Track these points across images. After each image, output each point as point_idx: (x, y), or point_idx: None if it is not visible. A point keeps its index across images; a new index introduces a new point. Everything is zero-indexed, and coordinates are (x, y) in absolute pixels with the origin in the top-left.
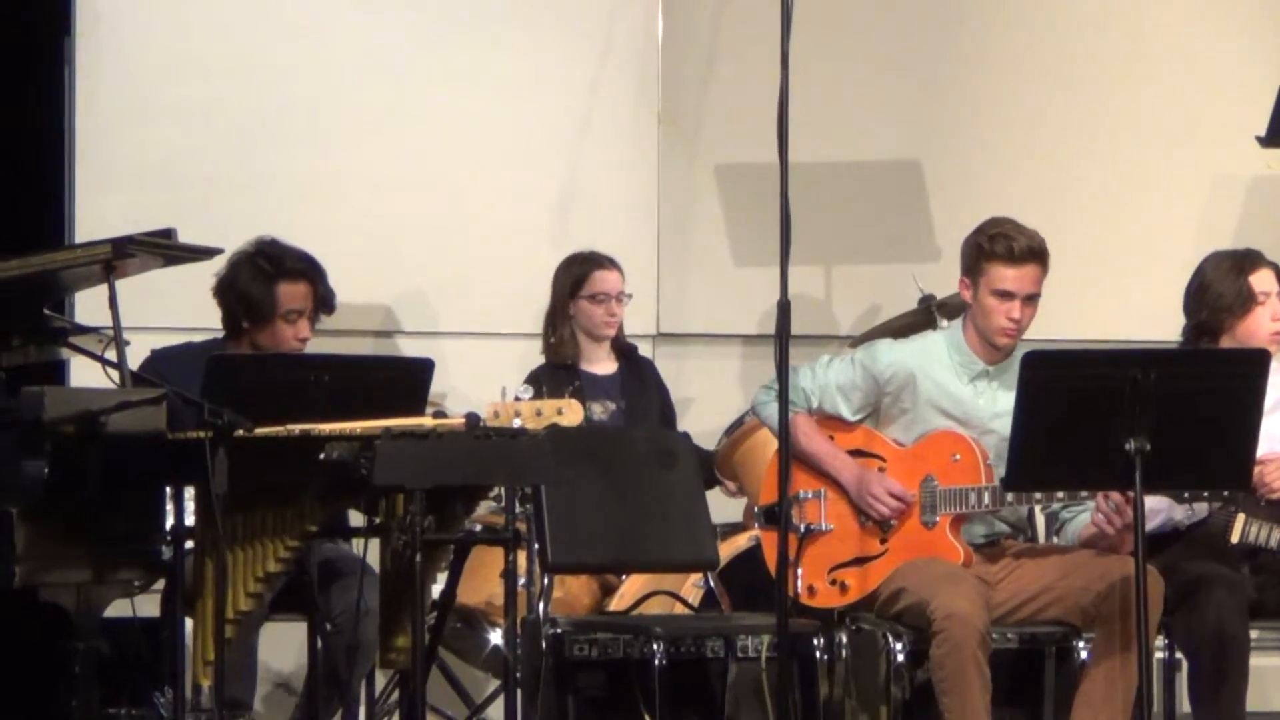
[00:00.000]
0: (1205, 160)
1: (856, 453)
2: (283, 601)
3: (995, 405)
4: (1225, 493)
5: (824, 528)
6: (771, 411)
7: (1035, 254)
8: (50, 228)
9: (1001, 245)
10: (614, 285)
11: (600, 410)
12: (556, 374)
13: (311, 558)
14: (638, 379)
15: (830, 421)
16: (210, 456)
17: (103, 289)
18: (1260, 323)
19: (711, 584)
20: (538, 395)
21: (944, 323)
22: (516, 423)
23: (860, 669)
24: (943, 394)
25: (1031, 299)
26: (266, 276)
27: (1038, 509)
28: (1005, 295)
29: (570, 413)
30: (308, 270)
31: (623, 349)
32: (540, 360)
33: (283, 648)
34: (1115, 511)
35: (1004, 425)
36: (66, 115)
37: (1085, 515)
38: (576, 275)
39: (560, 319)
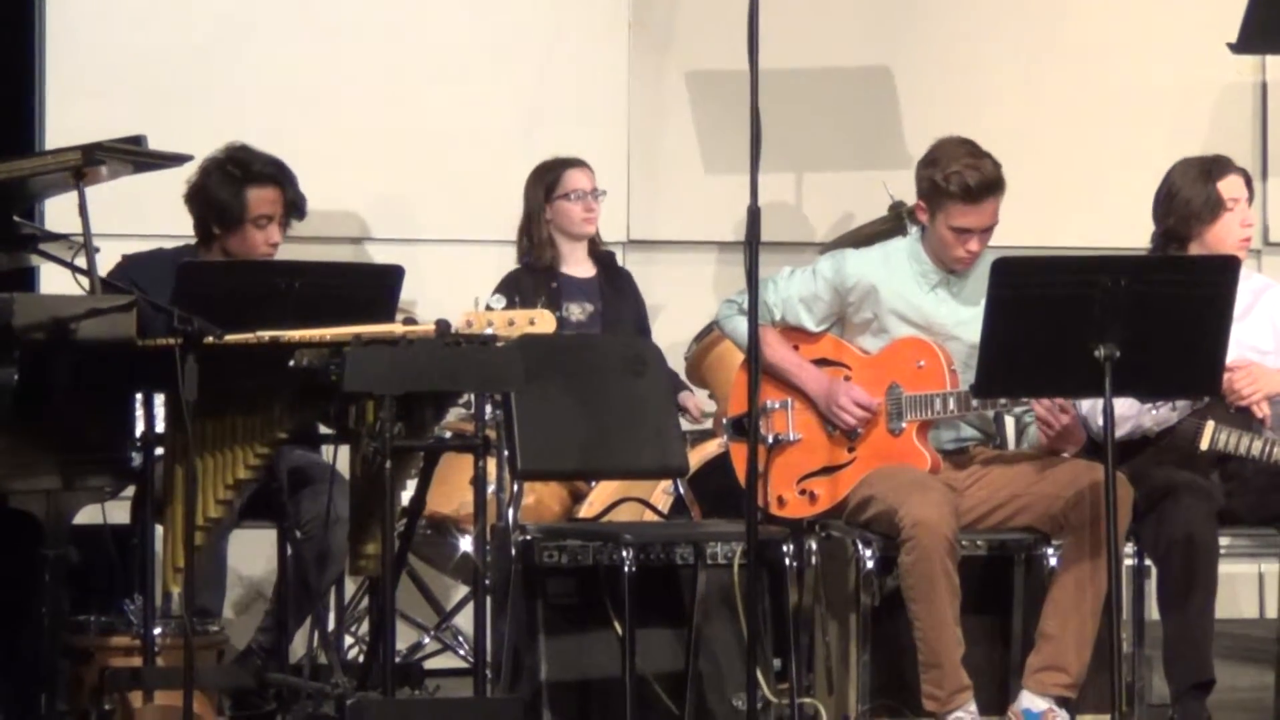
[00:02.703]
0: (1176, 67)
1: (823, 362)
2: (252, 509)
3: (958, 313)
4: (1193, 399)
5: (791, 438)
6: (734, 325)
7: (992, 188)
8: (19, 134)
9: (956, 184)
10: (587, 182)
11: (579, 312)
12: (534, 276)
13: (281, 465)
14: (615, 285)
15: (795, 332)
16: (180, 363)
17: (72, 196)
18: (1229, 229)
19: (681, 491)
20: (512, 302)
21: (914, 229)
22: (489, 332)
23: (830, 576)
24: (905, 303)
25: (989, 229)
26: (235, 181)
27: (1005, 413)
28: (963, 231)
29: (542, 322)
30: (277, 175)
31: (600, 256)
32: (514, 266)
33: (252, 555)
34: (1059, 410)
35: (967, 332)
36: (36, 20)
37: None
38: (549, 180)
39: (536, 224)
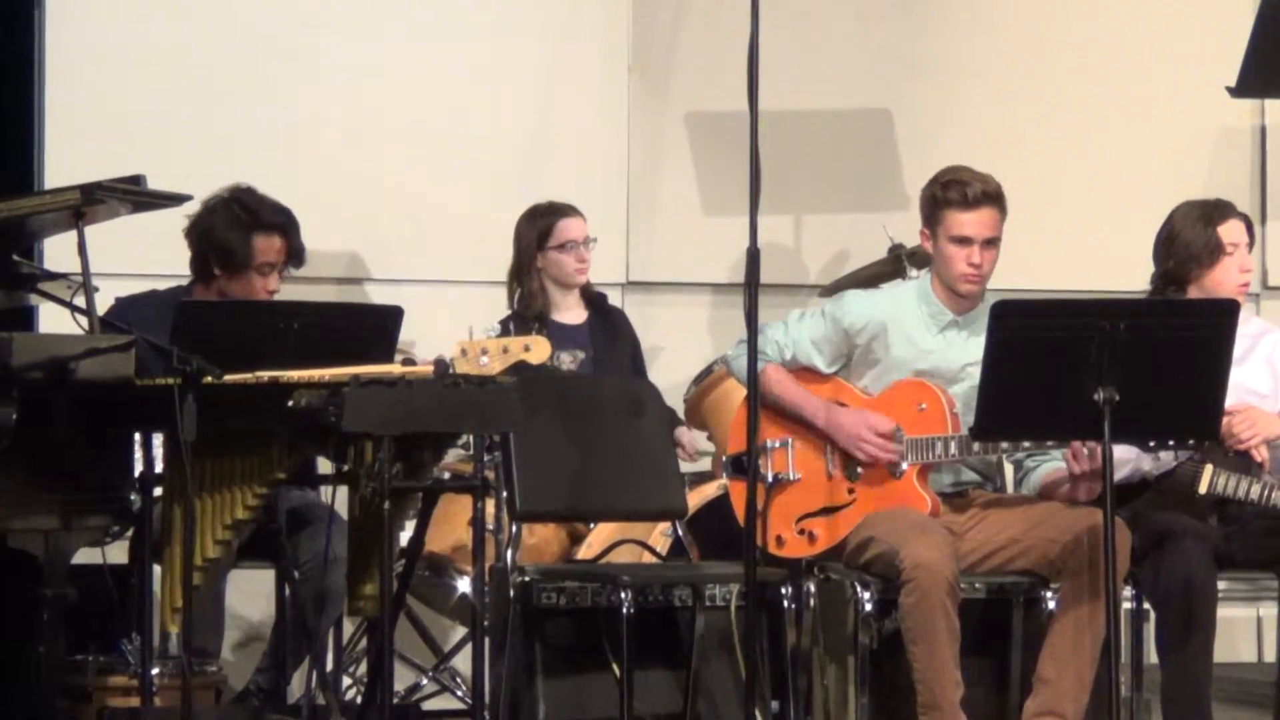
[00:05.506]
0: (1175, 110)
1: None
2: (251, 549)
3: (966, 355)
4: (1192, 443)
5: (791, 477)
6: (743, 365)
7: (990, 197)
8: (19, 173)
9: (955, 191)
10: (580, 231)
11: (569, 360)
12: (524, 324)
13: (280, 505)
14: (607, 328)
15: (801, 372)
16: (179, 403)
17: (71, 235)
18: (1228, 273)
19: (680, 533)
20: (504, 334)
21: (913, 272)
22: (484, 359)
23: (828, 618)
24: (912, 345)
25: (991, 243)
26: (243, 226)
27: (1005, 458)
28: (963, 241)
29: (537, 349)
30: (284, 224)
31: (592, 298)
32: (507, 311)
33: (250, 596)
34: (1089, 456)
35: (975, 374)
36: (36, 60)
37: (1048, 464)
38: (542, 228)
39: (527, 272)
